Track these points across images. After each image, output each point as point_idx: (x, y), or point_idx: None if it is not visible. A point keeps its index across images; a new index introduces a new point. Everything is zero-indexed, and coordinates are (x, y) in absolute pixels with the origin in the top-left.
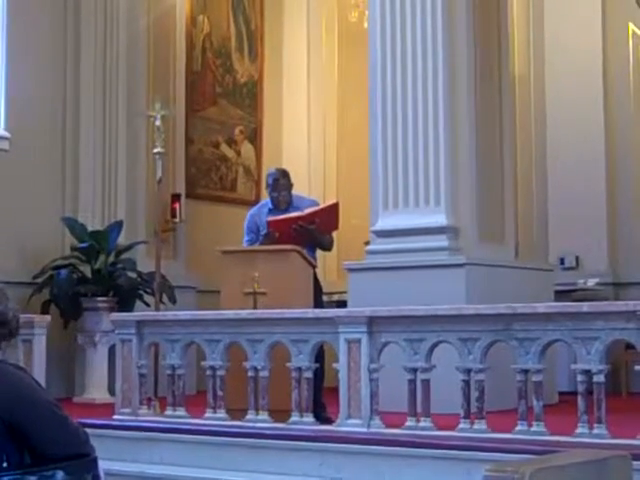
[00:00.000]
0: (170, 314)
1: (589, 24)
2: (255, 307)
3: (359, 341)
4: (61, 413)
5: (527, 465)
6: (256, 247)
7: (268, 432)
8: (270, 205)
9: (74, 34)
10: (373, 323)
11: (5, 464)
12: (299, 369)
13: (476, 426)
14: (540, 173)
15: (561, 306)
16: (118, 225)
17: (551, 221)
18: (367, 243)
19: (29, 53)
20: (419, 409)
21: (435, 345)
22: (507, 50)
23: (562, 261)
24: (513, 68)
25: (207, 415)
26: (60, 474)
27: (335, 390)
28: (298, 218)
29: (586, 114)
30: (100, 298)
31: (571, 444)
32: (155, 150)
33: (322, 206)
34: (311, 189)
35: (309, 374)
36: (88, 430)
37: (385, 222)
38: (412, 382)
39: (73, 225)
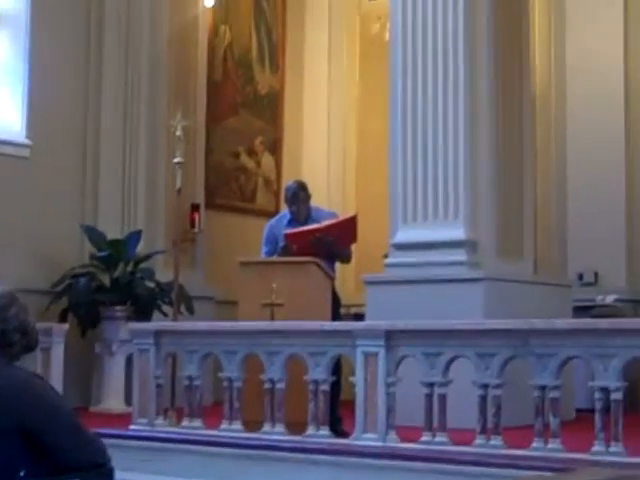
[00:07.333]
0: (188, 324)
1: (611, 43)
2: (272, 319)
3: (376, 354)
4: (79, 422)
5: None
6: (274, 258)
7: (284, 444)
8: (289, 217)
9: (96, 44)
10: (391, 337)
11: (22, 473)
12: (316, 382)
13: (492, 442)
14: (560, 188)
15: (580, 322)
16: (137, 234)
17: (570, 237)
18: (386, 256)
19: (51, 63)
20: (435, 424)
21: (452, 360)
22: (528, 67)
23: (581, 277)
24: (534, 84)
25: (223, 427)
26: None
27: (351, 403)
28: (316, 230)
29: (607, 131)
30: (118, 307)
31: (587, 462)
32: (175, 160)
33: (340, 219)
34: (330, 201)
35: (326, 387)
36: (104, 440)
37: (404, 235)
38: (429, 397)
39: (92, 233)
